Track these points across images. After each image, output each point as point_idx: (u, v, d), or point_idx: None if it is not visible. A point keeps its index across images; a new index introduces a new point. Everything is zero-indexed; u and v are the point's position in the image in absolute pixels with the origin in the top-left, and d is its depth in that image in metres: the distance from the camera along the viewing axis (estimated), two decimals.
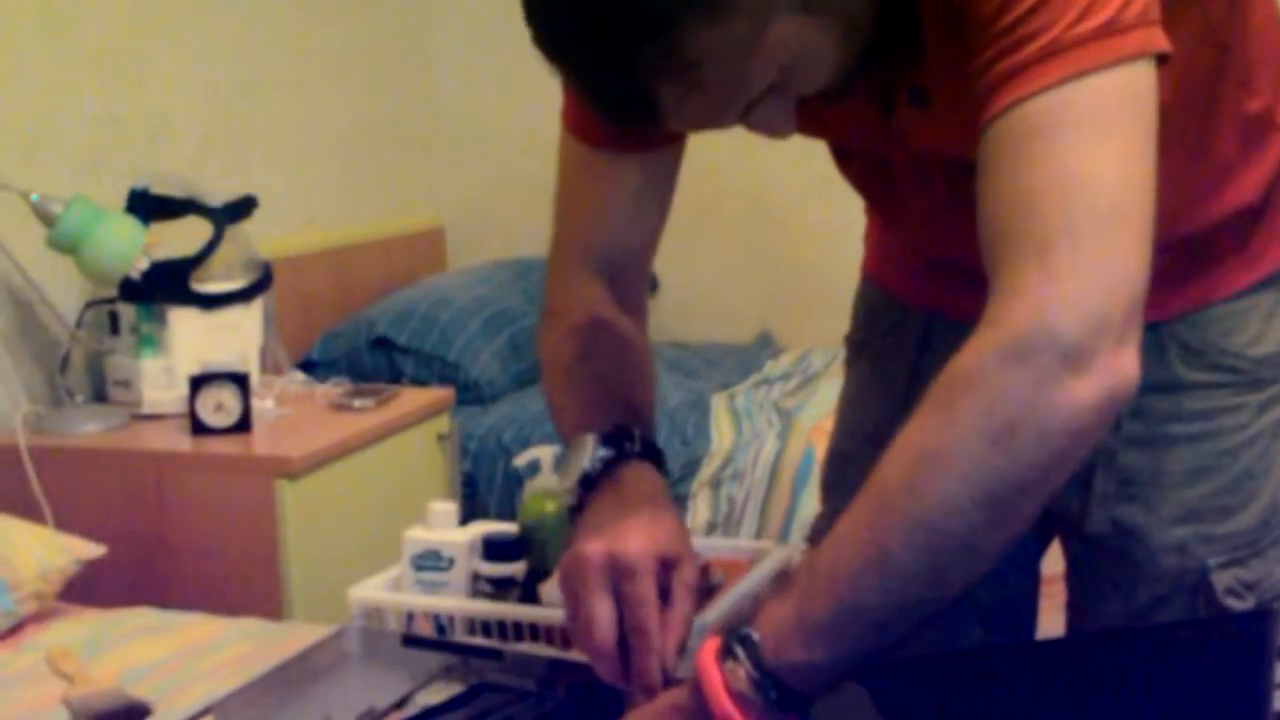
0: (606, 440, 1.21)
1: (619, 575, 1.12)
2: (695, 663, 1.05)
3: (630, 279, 1.34)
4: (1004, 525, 0.99)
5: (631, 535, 1.13)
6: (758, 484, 3.00)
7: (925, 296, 1.44)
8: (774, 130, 1.09)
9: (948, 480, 0.97)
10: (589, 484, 1.21)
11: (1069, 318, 0.95)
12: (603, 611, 1.12)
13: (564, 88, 1.24)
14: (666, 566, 1.14)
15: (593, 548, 1.13)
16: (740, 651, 1.03)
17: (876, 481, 1.01)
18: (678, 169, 1.31)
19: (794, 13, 0.99)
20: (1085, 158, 0.97)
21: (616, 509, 1.17)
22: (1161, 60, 1.00)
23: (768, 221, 4.09)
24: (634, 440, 1.22)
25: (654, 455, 1.24)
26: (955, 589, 1.01)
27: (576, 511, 1.21)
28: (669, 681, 1.11)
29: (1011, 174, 0.99)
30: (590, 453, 1.21)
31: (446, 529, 1.60)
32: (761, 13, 0.98)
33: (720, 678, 1.02)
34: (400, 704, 1.32)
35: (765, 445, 3.07)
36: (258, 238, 2.87)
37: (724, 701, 1.02)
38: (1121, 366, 0.97)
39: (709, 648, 1.05)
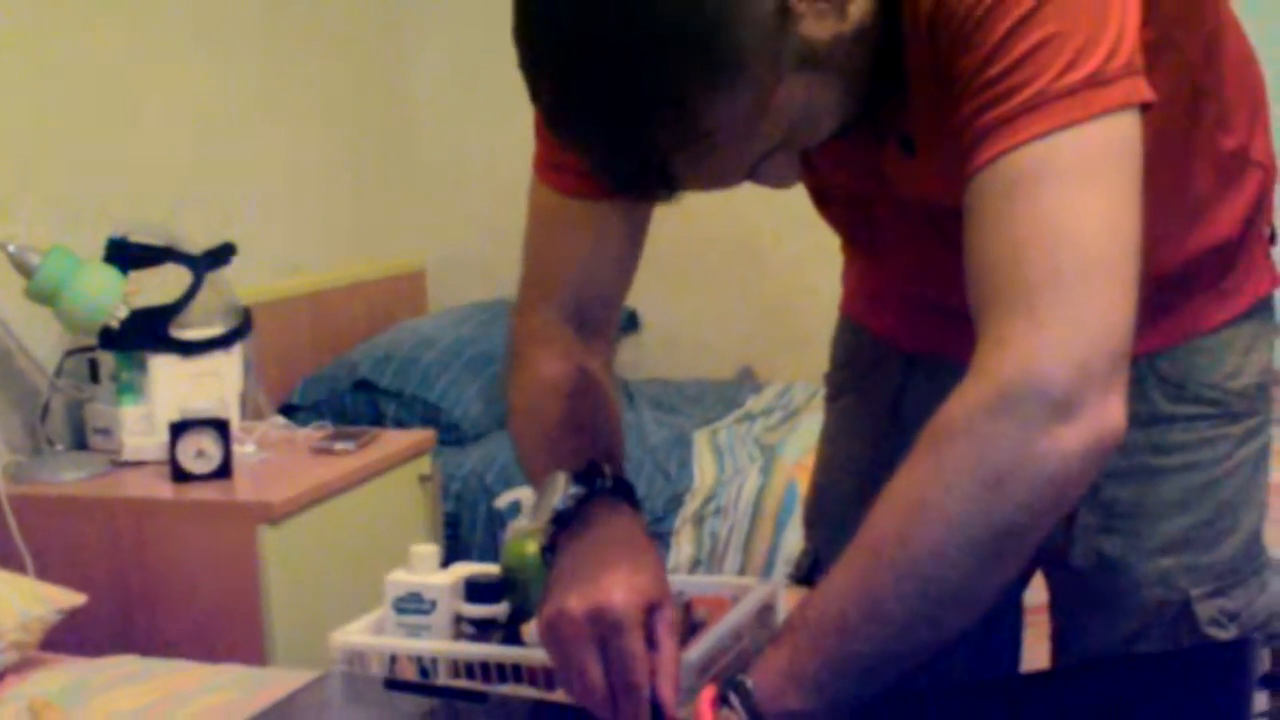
0: (578, 478, 1.20)
1: (606, 631, 1.11)
2: (692, 710, 1.05)
3: (600, 324, 1.33)
4: (994, 572, 1.00)
5: (615, 588, 1.11)
6: (741, 520, 2.99)
7: (905, 335, 1.44)
8: (781, 182, 1.10)
9: (938, 529, 0.98)
10: (562, 523, 1.19)
11: (1055, 367, 0.96)
12: (593, 669, 1.11)
13: (536, 132, 1.24)
14: (650, 611, 1.13)
15: (575, 603, 1.11)
16: (735, 699, 1.03)
17: (867, 532, 1.02)
18: (650, 214, 1.30)
19: (799, 71, 0.99)
20: (1071, 208, 0.98)
21: (593, 553, 1.15)
22: (1145, 109, 1.01)
23: (748, 258, 4.09)
24: (605, 477, 1.21)
25: (626, 491, 1.23)
26: (948, 635, 1.01)
27: (550, 551, 1.20)
28: None
29: (997, 224, 0.99)
30: (562, 491, 1.20)
31: (428, 571, 1.59)
32: (768, 75, 0.98)
33: None
34: None
35: (748, 481, 3.07)
36: (238, 283, 2.87)
37: None
38: (1108, 414, 0.98)
39: (705, 696, 1.04)
